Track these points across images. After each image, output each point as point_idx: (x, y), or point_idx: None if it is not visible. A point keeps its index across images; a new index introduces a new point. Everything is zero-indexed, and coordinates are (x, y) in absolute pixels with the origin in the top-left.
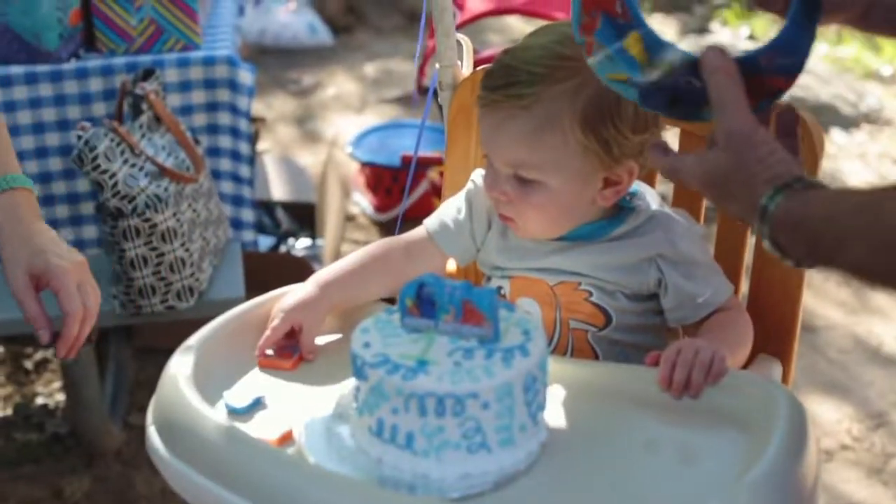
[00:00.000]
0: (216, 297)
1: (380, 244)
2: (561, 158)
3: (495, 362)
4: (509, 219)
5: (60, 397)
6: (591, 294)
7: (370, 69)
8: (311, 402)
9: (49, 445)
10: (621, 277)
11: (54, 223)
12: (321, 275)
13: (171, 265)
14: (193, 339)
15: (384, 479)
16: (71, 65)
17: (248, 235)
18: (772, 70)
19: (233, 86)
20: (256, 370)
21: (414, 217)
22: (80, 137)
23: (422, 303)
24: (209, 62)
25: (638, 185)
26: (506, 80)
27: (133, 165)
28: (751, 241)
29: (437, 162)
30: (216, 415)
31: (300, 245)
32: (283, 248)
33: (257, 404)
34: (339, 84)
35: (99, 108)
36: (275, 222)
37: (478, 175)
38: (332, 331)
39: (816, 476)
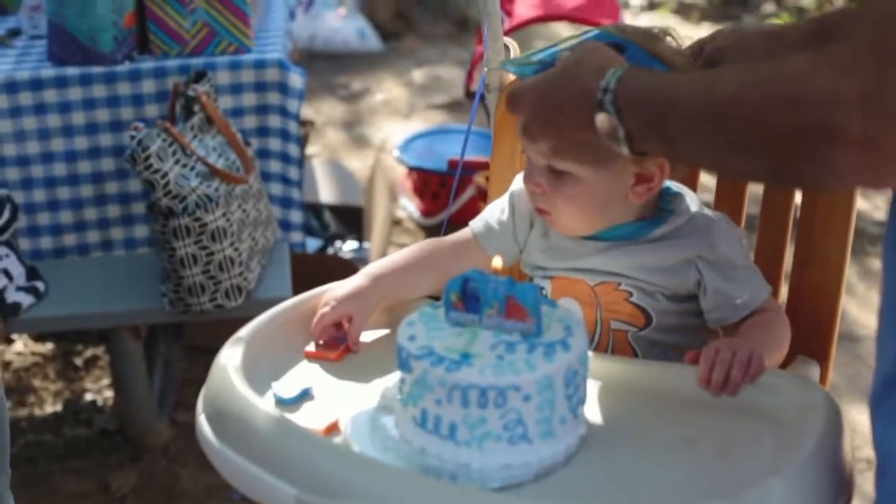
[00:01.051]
0: (264, 297)
1: (426, 243)
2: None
3: (537, 356)
4: (545, 212)
5: (109, 394)
6: (631, 294)
7: (418, 75)
8: (356, 394)
9: (97, 441)
10: (661, 278)
11: (107, 222)
12: (372, 268)
13: (221, 264)
14: (243, 332)
15: (427, 469)
16: (125, 66)
17: (297, 237)
18: None
19: (283, 89)
20: (304, 363)
21: (460, 221)
22: (133, 137)
23: (466, 297)
24: (260, 65)
25: (679, 188)
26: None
27: (184, 166)
28: (790, 248)
29: (485, 166)
30: (266, 404)
31: (347, 248)
32: (330, 251)
33: (305, 395)
34: (387, 89)
35: (151, 110)
36: (322, 225)
37: (519, 179)
38: (378, 326)
39: (851, 474)
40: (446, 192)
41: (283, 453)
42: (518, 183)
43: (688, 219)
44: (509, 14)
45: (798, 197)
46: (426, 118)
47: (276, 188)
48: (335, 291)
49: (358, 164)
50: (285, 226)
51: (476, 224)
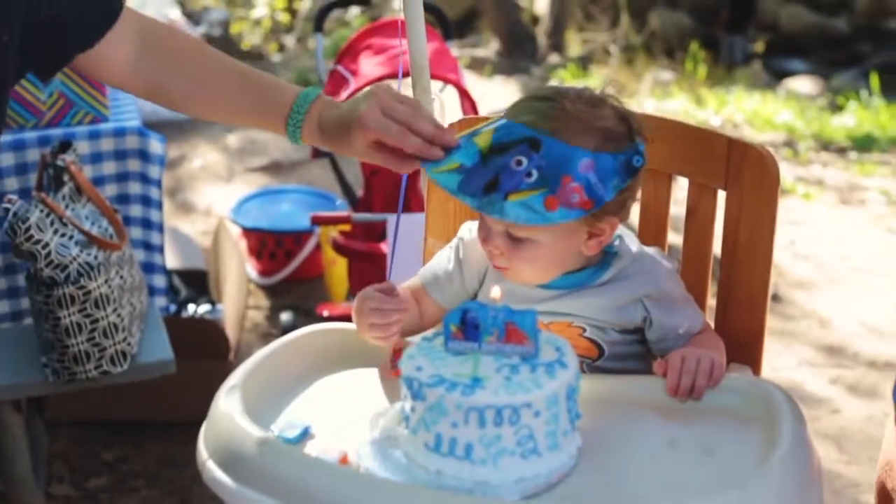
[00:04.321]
0: (147, 360)
1: None
2: None
3: (540, 375)
4: (503, 268)
5: None
6: (584, 330)
7: (233, 139)
8: (354, 428)
9: None
10: (612, 317)
11: None
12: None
13: (105, 331)
14: (236, 378)
15: (446, 490)
16: None
17: (161, 301)
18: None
19: (143, 156)
20: (295, 403)
21: (303, 278)
22: (7, 210)
23: (466, 327)
24: (120, 133)
25: (618, 229)
26: None
27: (63, 235)
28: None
29: (344, 221)
30: (283, 444)
31: (202, 310)
32: (184, 314)
33: (306, 434)
34: (203, 155)
35: (11, 183)
36: (173, 289)
37: (465, 229)
38: (340, 367)
39: (815, 448)
40: (283, 252)
41: (313, 488)
42: (464, 233)
43: (631, 259)
44: (354, 73)
45: (718, 225)
46: (247, 181)
47: (139, 254)
48: (355, 314)
49: (188, 228)
50: (149, 291)
51: (424, 274)
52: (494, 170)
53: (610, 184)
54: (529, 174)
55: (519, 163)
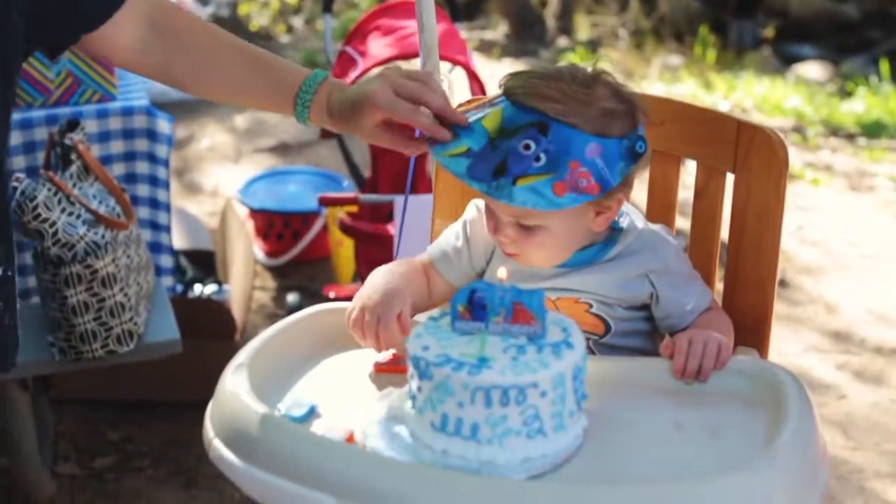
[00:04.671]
0: (153, 340)
1: (399, 265)
2: None
3: (547, 355)
4: (514, 255)
5: None
6: (591, 306)
7: (240, 120)
8: (361, 408)
9: None
10: (619, 293)
11: None
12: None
13: (112, 310)
14: (243, 357)
15: (452, 469)
16: None
17: (168, 281)
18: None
19: (151, 135)
20: (302, 381)
21: (310, 259)
22: (15, 189)
23: (473, 307)
24: (128, 112)
25: (624, 206)
26: None
27: (70, 214)
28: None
29: (351, 202)
30: (289, 423)
31: (208, 290)
32: (191, 294)
33: (312, 413)
34: (211, 136)
35: (19, 161)
36: (180, 269)
37: (472, 207)
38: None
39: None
40: (290, 233)
41: (319, 466)
42: (471, 211)
43: (637, 235)
44: (363, 55)
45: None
46: (255, 162)
47: (146, 234)
48: (370, 300)
49: (195, 209)
50: (156, 271)
51: (433, 251)
52: (502, 154)
53: (616, 168)
54: (538, 158)
55: (527, 147)
